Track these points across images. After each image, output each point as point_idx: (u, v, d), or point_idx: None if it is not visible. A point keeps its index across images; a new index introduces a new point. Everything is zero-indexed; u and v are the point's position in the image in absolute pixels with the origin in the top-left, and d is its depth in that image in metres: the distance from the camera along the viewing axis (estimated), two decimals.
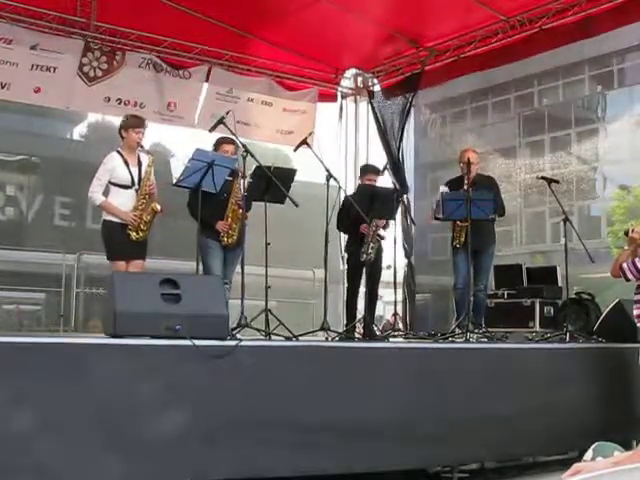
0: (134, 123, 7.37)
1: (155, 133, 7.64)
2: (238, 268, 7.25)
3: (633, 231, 7.01)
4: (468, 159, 8.40)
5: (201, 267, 7.31)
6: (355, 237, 8.47)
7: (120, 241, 7.08)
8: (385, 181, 9.41)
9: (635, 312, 6.97)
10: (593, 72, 29.27)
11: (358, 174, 9.76)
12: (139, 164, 7.30)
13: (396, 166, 11.15)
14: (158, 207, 7.23)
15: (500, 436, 6.42)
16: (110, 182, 7.17)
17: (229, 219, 7.54)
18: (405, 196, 11.06)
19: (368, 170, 9.25)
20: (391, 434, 5.85)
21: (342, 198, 8.44)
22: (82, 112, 19.78)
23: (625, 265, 6.85)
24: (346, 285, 8.86)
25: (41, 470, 4.53)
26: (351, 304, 8.90)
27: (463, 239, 8.37)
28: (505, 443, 6.51)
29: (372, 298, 8.41)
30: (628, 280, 6.93)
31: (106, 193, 7.19)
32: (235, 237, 7.55)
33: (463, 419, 6.20)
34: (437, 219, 8.58)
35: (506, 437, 6.47)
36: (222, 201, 7.39)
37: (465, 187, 8.24)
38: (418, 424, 6.01)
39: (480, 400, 6.34)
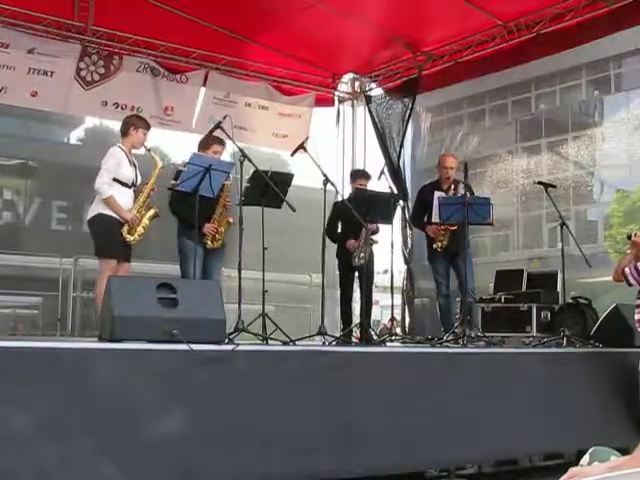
0: (144, 125, 7.31)
1: (151, 136, 7.58)
2: (231, 272, 7.22)
3: (636, 235, 6.99)
4: (445, 164, 8.58)
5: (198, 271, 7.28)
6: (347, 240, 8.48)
7: (114, 238, 6.98)
8: (381, 185, 9.42)
9: (636, 317, 6.97)
10: (590, 77, 29.28)
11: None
12: (135, 165, 7.25)
13: (396, 173, 11.18)
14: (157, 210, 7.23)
15: (498, 439, 6.42)
16: (114, 178, 7.04)
17: (216, 222, 7.51)
18: (405, 203, 11.11)
19: (358, 175, 9.27)
20: (390, 437, 5.84)
21: (336, 205, 8.43)
22: (79, 116, 19.77)
23: (627, 270, 6.83)
24: (339, 290, 8.85)
25: (39, 474, 4.52)
26: (346, 309, 8.91)
27: (446, 242, 8.47)
28: (502, 445, 6.51)
29: (367, 302, 8.42)
30: (630, 285, 6.91)
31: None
32: (220, 241, 7.54)
33: (460, 422, 6.19)
34: (432, 224, 8.61)
35: (504, 440, 6.47)
36: (207, 202, 7.22)
37: (447, 192, 8.38)
38: (416, 427, 6.01)
39: (477, 404, 6.34)
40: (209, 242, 7.47)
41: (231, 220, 7.52)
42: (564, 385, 6.92)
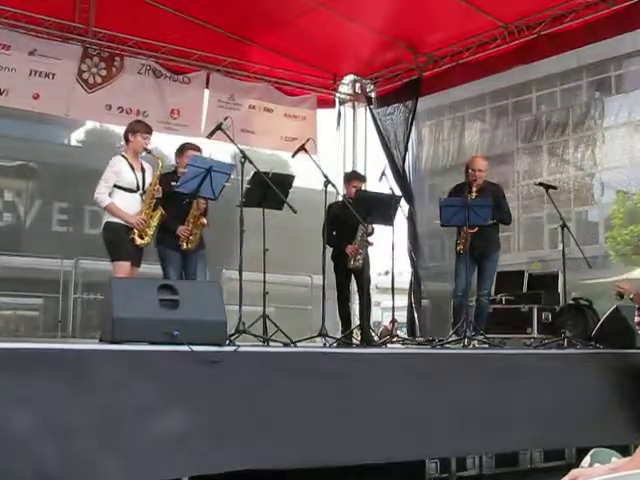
0: (143, 129, 7.35)
1: (153, 138, 7.62)
2: (231, 274, 7.24)
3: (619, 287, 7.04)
4: (473, 166, 8.47)
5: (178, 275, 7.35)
6: (342, 245, 8.46)
7: (123, 241, 7.06)
8: (381, 187, 9.41)
9: (637, 319, 6.98)
10: (591, 78, 29.29)
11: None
12: (142, 170, 7.30)
13: (401, 176, 11.19)
14: (163, 211, 7.26)
15: (498, 436, 6.44)
16: (115, 185, 7.13)
17: (190, 224, 7.53)
18: (411, 205, 11.11)
19: (353, 177, 9.25)
20: (391, 432, 5.86)
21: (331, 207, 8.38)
22: (82, 120, 19.76)
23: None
24: (336, 293, 8.82)
25: (40, 475, 4.52)
26: (344, 311, 8.90)
27: (468, 245, 8.41)
28: (503, 442, 6.53)
29: (367, 304, 8.42)
30: None
31: (111, 196, 7.13)
32: (195, 243, 7.57)
33: (461, 419, 6.21)
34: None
35: (504, 438, 6.49)
36: (184, 206, 7.35)
37: (470, 194, 8.28)
38: (416, 423, 6.02)
39: (478, 405, 6.34)
40: (183, 244, 7.52)
41: (204, 221, 7.55)
42: (565, 386, 6.92)
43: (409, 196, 11.17)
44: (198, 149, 7.72)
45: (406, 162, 11.38)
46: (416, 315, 11.19)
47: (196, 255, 7.69)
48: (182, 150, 7.78)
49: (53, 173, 21.95)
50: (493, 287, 9.87)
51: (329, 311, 7.66)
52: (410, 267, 11.42)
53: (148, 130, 7.38)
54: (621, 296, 7.11)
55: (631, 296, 7.01)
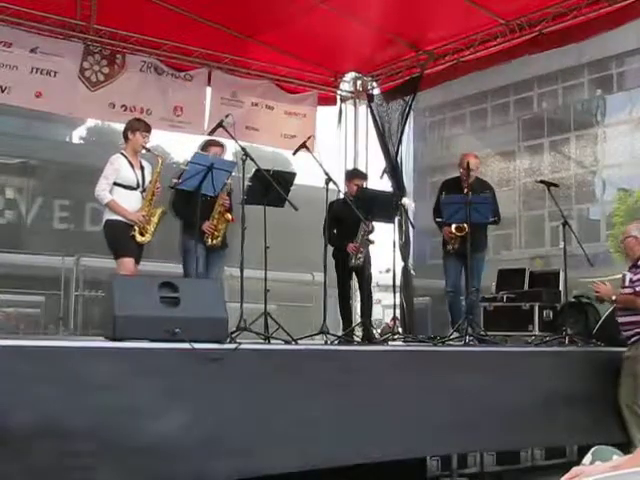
0: (142, 127, 7.38)
1: (154, 136, 7.64)
2: (233, 271, 7.23)
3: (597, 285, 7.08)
4: (467, 164, 8.39)
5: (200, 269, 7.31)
6: (343, 243, 8.46)
7: (125, 238, 7.07)
8: (383, 184, 9.40)
9: (624, 319, 7.01)
10: (592, 76, 29.32)
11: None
12: (141, 168, 7.33)
13: (394, 169, 11.14)
14: (164, 209, 7.27)
15: (499, 434, 6.45)
16: (115, 183, 7.15)
17: (215, 220, 7.56)
18: (404, 200, 11.06)
19: (355, 174, 9.22)
20: (392, 430, 5.87)
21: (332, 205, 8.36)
22: (86, 119, 19.73)
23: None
24: (337, 290, 8.81)
25: (41, 474, 4.53)
26: (345, 309, 8.89)
27: (457, 245, 8.41)
28: (503, 439, 6.54)
29: (368, 302, 8.41)
30: None
31: (111, 194, 7.14)
32: (220, 239, 7.59)
33: (461, 417, 6.21)
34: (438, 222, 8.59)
35: (505, 436, 6.50)
36: (207, 202, 7.34)
37: (465, 191, 8.23)
38: (417, 420, 6.03)
39: (478, 402, 6.35)
40: (209, 240, 7.54)
41: (229, 217, 7.56)
42: (566, 383, 6.93)
43: (402, 189, 11.12)
44: (222, 146, 7.73)
45: (399, 156, 11.34)
46: (406, 311, 11.09)
47: (219, 253, 7.70)
48: (205, 147, 7.76)
49: (54, 171, 21.99)
50: (494, 284, 9.90)
51: (330, 309, 7.65)
52: (401, 261, 11.23)
53: (147, 128, 7.40)
54: (601, 300, 7.14)
55: (613, 297, 7.03)
